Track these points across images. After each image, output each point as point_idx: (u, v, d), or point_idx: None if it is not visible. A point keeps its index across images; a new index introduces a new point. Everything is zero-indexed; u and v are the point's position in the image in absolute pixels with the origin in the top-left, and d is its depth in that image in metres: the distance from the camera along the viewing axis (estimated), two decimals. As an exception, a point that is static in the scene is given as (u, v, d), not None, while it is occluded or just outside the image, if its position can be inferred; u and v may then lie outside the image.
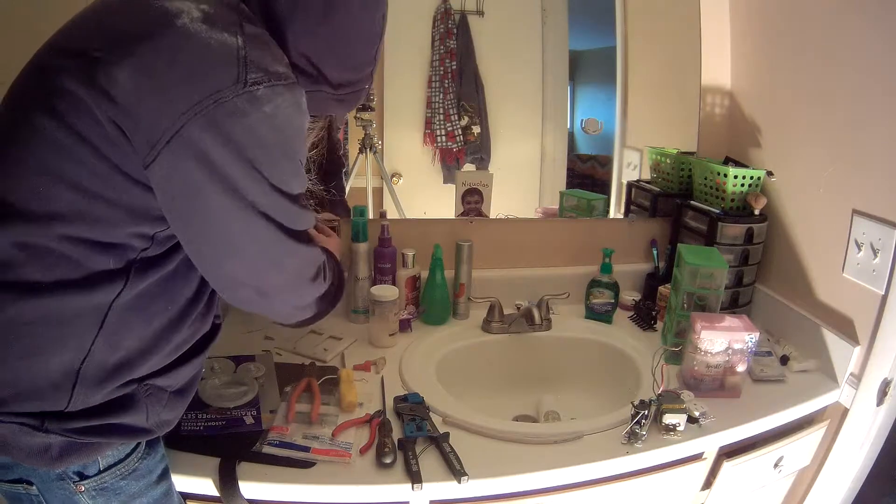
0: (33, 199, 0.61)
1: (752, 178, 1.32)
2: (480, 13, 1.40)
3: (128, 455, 0.72)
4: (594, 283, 1.40)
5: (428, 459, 0.90)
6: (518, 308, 1.40)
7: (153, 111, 0.59)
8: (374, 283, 1.33)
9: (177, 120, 0.58)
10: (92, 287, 0.63)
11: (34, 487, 0.67)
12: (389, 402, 1.04)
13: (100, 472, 0.69)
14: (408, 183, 1.46)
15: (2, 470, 0.67)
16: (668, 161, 1.50)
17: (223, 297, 0.73)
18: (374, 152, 1.39)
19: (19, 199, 0.61)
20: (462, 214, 1.45)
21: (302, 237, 0.72)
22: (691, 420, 1.02)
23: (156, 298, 0.69)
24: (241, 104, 0.60)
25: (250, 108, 0.61)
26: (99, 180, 0.61)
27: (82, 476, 0.68)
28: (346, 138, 1.38)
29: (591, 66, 1.49)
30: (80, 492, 0.68)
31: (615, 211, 1.56)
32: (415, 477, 0.85)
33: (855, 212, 1.13)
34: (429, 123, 1.43)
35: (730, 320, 1.12)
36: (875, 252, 1.08)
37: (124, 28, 0.62)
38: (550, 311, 1.37)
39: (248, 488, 0.83)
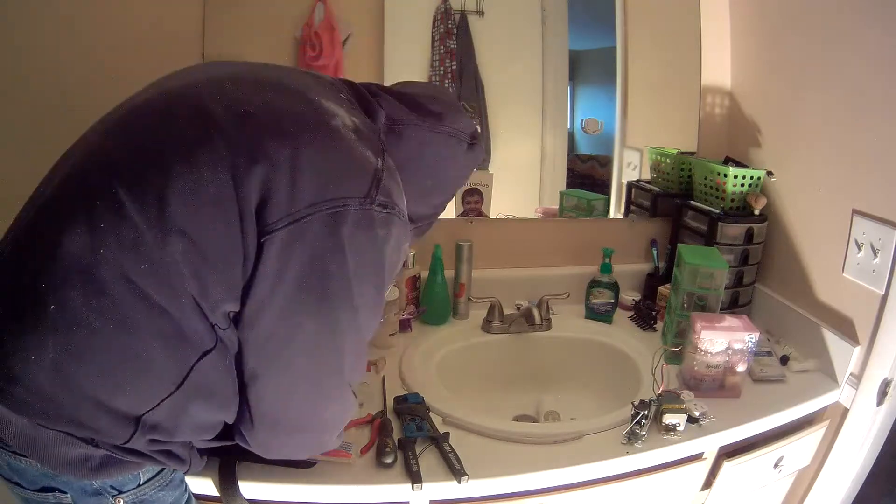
0: (153, 243, 0.59)
1: (752, 178, 1.32)
2: (480, 13, 1.40)
3: (163, 468, 0.72)
4: (594, 283, 1.40)
5: (428, 459, 0.90)
6: (518, 308, 1.40)
7: (294, 190, 0.61)
8: (374, 283, 1.32)
9: (307, 208, 0.61)
10: (182, 341, 0.62)
11: (68, 496, 0.65)
12: (389, 402, 1.04)
13: (139, 485, 0.69)
14: (408, 183, 1.46)
15: (28, 480, 0.65)
16: (668, 161, 1.50)
17: (243, 429, 0.71)
18: (375, 152, 1.39)
19: (142, 238, 0.59)
20: (462, 214, 1.45)
21: (352, 382, 0.73)
22: (691, 420, 1.02)
23: (225, 377, 0.68)
24: (362, 218, 0.63)
25: (367, 224, 0.64)
26: (214, 246, 0.61)
27: (120, 490, 0.67)
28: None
29: (591, 66, 1.49)
30: None
31: (615, 211, 1.56)
32: (415, 477, 0.85)
33: (855, 212, 1.13)
34: (429, 123, 1.43)
35: (730, 320, 1.12)
36: (875, 252, 1.08)
37: (282, 107, 0.65)
38: (550, 311, 1.37)
39: (248, 488, 0.83)
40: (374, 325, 0.72)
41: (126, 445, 0.63)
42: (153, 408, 0.63)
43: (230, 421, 0.72)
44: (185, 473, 0.74)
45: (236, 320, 0.66)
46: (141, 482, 0.69)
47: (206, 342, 0.64)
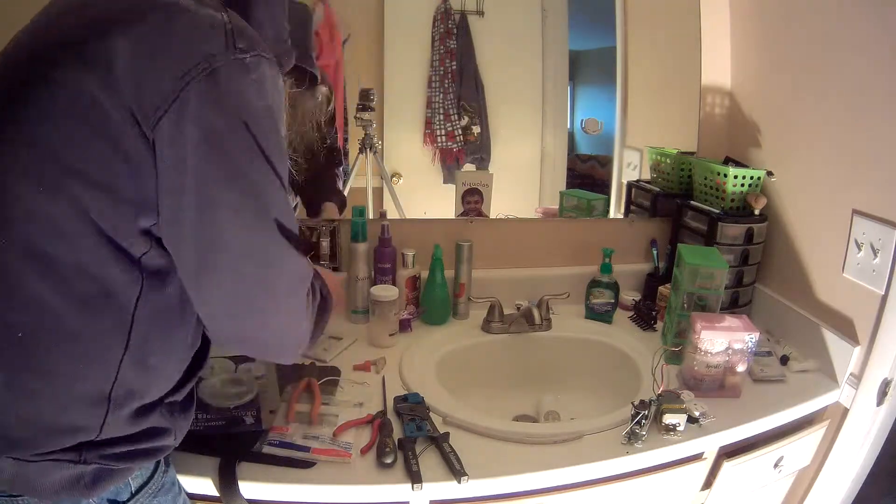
0: (35, 195, 0.58)
1: (752, 178, 1.32)
2: (480, 13, 1.40)
3: (153, 473, 0.71)
4: (594, 283, 1.40)
5: (428, 459, 0.90)
6: (518, 308, 1.40)
7: (154, 75, 0.59)
8: (374, 283, 1.32)
9: (177, 83, 0.58)
10: (109, 297, 0.61)
11: None
12: (389, 402, 1.04)
13: (133, 495, 0.68)
14: (408, 183, 1.46)
15: None
16: (668, 161, 1.50)
17: (206, 324, 0.68)
18: (374, 152, 1.39)
19: (22, 195, 0.58)
20: (462, 214, 1.45)
21: (291, 238, 0.68)
22: (691, 420, 1.02)
23: (173, 311, 0.67)
24: (232, 70, 0.61)
25: (239, 74, 0.62)
26: (98, 165, 0.59)
27: (117, 502, 0.67)
28: (346, 138, 1.38)
29: (591, 66, 1.49)
30: None
31: (615, 211, 1.56)
32: (415, 477, 0.85)
33: (855, 212, 1.13)
34: (429, 123, 1.43)
35: (730, 320, 1.12)
36: (875, 252, 1.08)
37: (110, 12, 0.63)
38: (550, 311, 1.37)
39: (248, 488, 0.83)
40: (286, 169, 0.69)
41: (106, 436, 0.63)
42: (115, 380, 0.62)
43: (195, 346, 0.72)
44: (175, 442, 0.73)
45: (160, 240, 0.64)
46: (133, 491, 0.68)
47: (131, 287, 0.63)
